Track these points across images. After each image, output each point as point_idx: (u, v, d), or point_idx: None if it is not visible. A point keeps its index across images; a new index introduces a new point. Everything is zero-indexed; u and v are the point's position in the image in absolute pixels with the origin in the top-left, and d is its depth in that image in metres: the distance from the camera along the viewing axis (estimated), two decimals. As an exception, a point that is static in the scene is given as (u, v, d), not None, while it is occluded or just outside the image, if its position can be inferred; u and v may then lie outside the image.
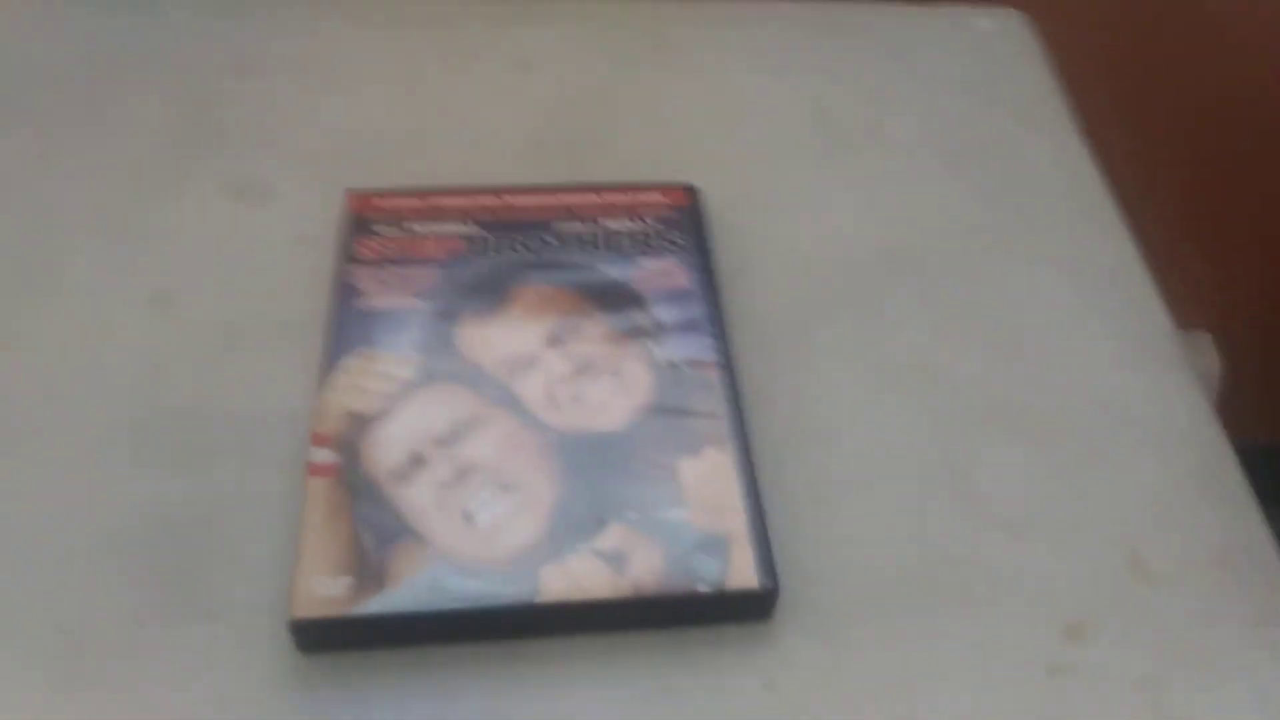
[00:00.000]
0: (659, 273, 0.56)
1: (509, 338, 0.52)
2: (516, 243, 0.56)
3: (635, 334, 0.53)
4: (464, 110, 0.67)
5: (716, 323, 0.54)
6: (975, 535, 0.49)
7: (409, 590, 0.43)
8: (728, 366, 0.52)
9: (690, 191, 0.60)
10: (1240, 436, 0.55)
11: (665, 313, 0.54)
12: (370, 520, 0.45)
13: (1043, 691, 0.45)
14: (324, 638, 0.43)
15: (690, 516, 0.46)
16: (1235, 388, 1.12)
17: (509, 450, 0.48)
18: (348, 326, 0.52)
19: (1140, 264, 0.62)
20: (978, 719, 0.44)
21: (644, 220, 0.58)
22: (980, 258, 0.61)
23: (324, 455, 0.47)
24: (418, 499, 0.46)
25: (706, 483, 0.48)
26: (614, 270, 0.56)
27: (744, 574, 0.45)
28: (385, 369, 0.51)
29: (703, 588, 0.44)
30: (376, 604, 0.43)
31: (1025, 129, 0.69)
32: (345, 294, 0.54)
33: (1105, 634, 0.46)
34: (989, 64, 0.74)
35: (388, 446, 0.48)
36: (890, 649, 0.46)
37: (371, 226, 0.57)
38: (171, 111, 0.66)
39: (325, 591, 0.43)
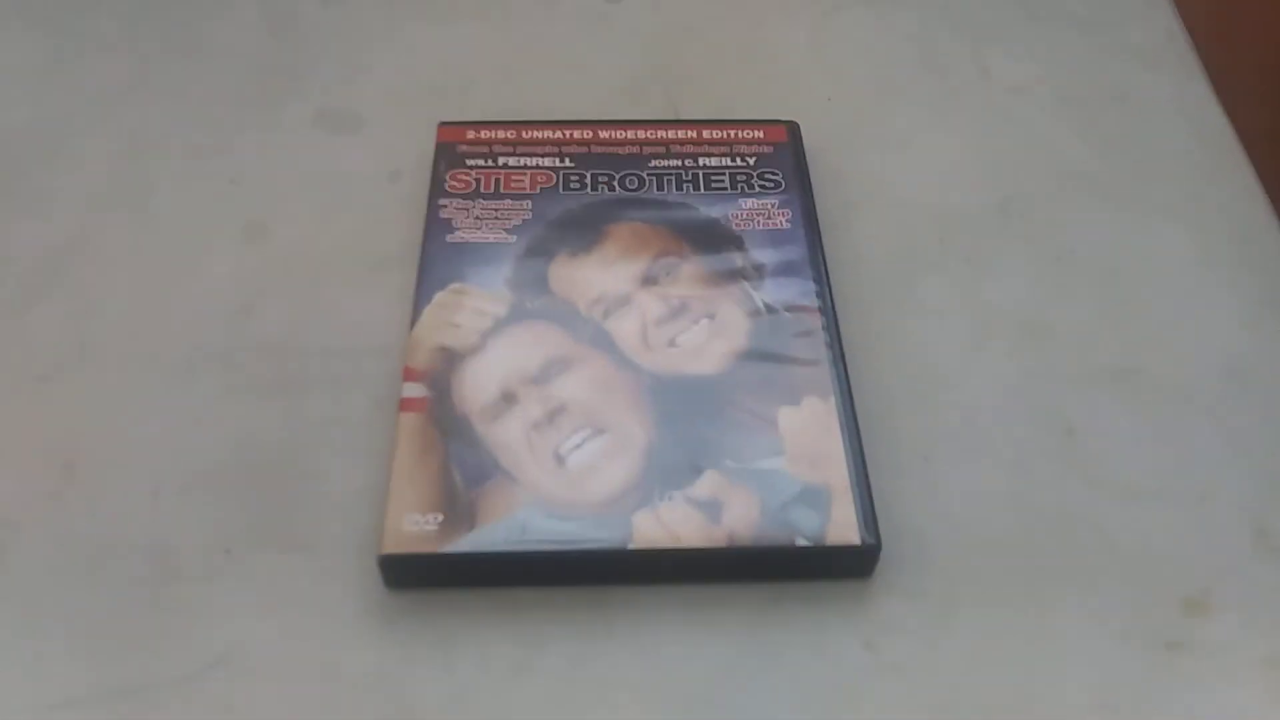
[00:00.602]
0: (757, 212, 0.53)
1: (602, 276, 0.51)
2: (611, 178, 0.55)
3: (733, 275, 0.51)
4: (556, 44, 0.65)
5: (818, 267, 0.51)
6: (1089, 500, 0.47)
7: (498, 530, 0.42)
8: (829, 312, 0.50)
9: (792, 128, 0.58)
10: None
11: (764, 254, 0.52)
12: (461, 458, 0.44)
13: (1160, 667, 0.42)
14: (412, 574, 0.43)
15: (789, 467, 0.44)
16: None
17: (602, 392, 0.46)
18: (440, 260, 0.51)
19: (1272, 220, 0.58)
20: (1089, 693, 0.42)
21: (743, 158, 0.56)
22: (1097, 208, 0.58)
23: (416, 390, 0.46)
24: (509, 438, 0.45)
25: (806, 432, 0.46)
26: (711, 209, 0.53)
27: (845, 528, 0.43)
28: (477, 304, 0.49)
29: (801, 541, 0.43)
30: (466, 543, 0.42)
31: (1148, 74, 0.65)
32: (437, 227, 0.52)
33: (1228, 609, 0.44)
34: (1107, 5, 0.70)
35: (479, 383, 0.47)
36: (997, 615, 0.44)
37: (464, 159, 0.55)
38: (261, 39, 0.65)
39: (414, 528, 0.42)
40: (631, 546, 0.42)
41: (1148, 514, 0.47)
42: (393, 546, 0.42)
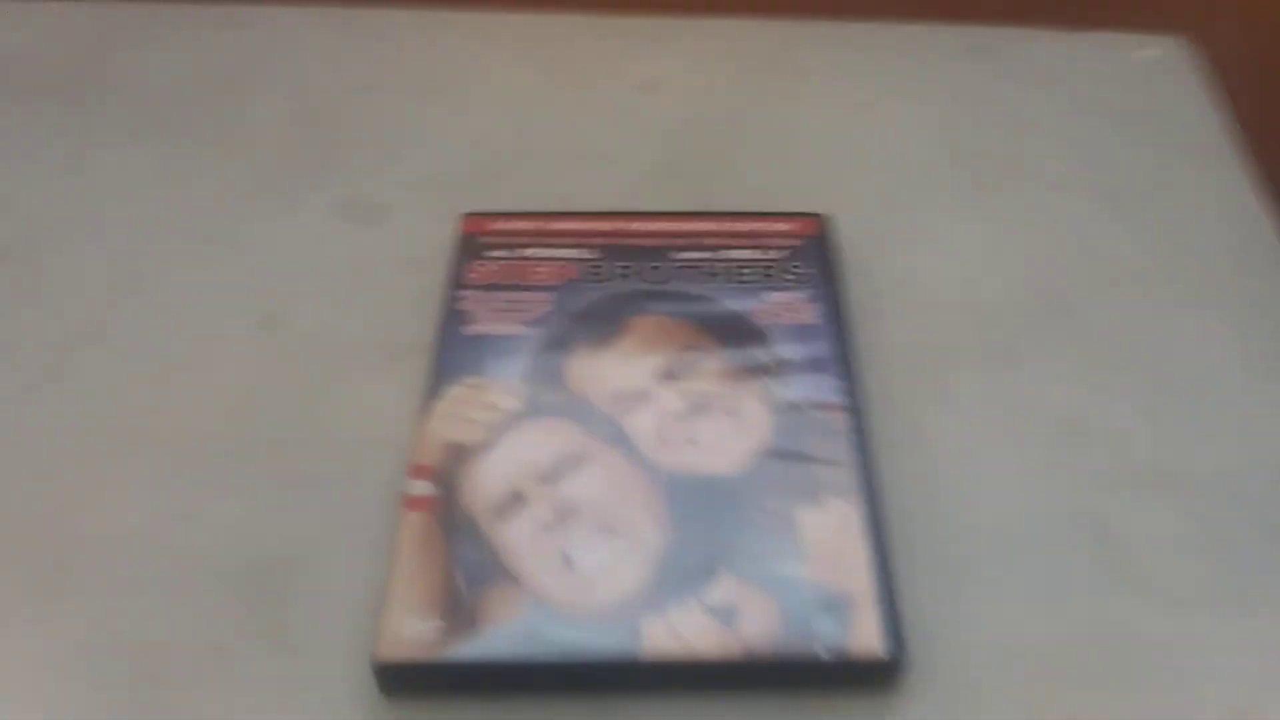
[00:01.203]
0: (784, 306, 0.52)
1: (621, 371, 0.49)
2: (633, 270, 0.53)
3: (756, 371, 0.49)
4: (585, 133, 0.65)
5: (845, 363, 0.50)
6: (1127, 609, 0.44)
7: (501, 636, 0.40)
8: (856, 411, 0.48)
9: (821, 221, 0.56)
10: None
11: (789, 350, 0.50)
12: (465, 559, 0.42)
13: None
14: (409, 682, 0.41)
15: (810, 572, 0.42)
16: None
17: (615, 491, 0.45)
18: (454, 353, 0.50)
19: (1319, 317, 0.55)
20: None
21: (770, 250, 0.54)
22: (1135, 304, 0.56)
23: (421, 488, 0.45)
24: (516, 539, 0.43)
25: (829, 536, 0.43)
26: (735, 302, 0.52)
27: (867, 639, 0.40)
28: (490, 399, 0.48)
29: (821, 652, 0.40)
30: (466, 650, 0.40)
31: (1186, 166, 0.63)
32: (453, 319, 0.51)
33: (1281, 729, 0.41)
34: (1148, 95, 0.68)
35: (488, 481, 0.45)
36: (1030, 733, 0.41)
37: (484, 250, 0.54)
38: (289, 129, 0.65)
39: (413, 633, 0.40)
40: (641, 655, 0.40)
41: (1189, 623, 0.44)
42: (389, 653, 0.40)
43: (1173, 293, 0.56)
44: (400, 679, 0.40)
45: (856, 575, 0.42)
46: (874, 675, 0.41)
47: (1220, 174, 0.63)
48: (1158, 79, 0.69)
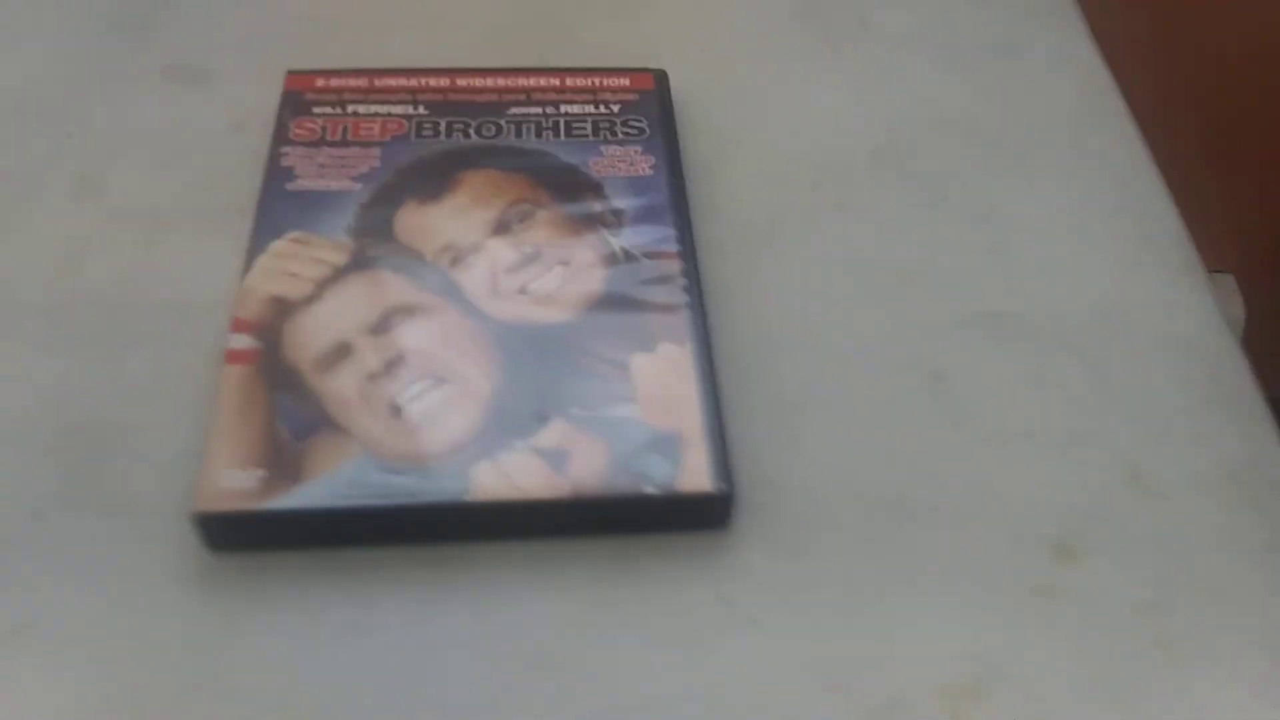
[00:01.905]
0: (619, 159, 0.51)
1: (452, 224, 0.48)
2: (465, 126, 0.52)
3: (590, 222, 0.48)
4: (420, -5, 0.63)
5: (681, 213, 0.49)
6: (955, 446, 0.45)
7: (326, 485, 0.39)
8: (689, 257, 0.48)
9: (659, 76, 0.55)
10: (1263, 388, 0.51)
11: (624, 201, 0.49)
12: (289, 411, 0.41)
13: (1027, 614, 0.41)
14: (232, 534, 0.40)
15: (641, 414, 0.42)
16: (1258, 334, 1.08)
17: (445, 341, 0.44)
18: (279, 209, 0.48)
19: (1152, 168, 0.57)
20: (954, 642, 0.40)
21: (606, 106, 0.54)
22: (973, 159, 0.57)
23: (243, 341, 0.43)
24: (342, 390, 0.42)
25: (660, 379, 0.43)
26: (570, 156, 0.51)
27: (697, 476, 0.41)
28: (315, 253, 0.46)
29: (650, 489, 0.40)
30: (290, 499, 0.39)
31: (1030, 28, 0.64)
32: (278, 175, 0.49)
33: (1099, 555, 0.42)
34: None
35: (313, 334, 0.44)
36: (858, 564, 0.42)
37: (310, 107, 0.52)
38: (108, -9, 0.61)
39: (234, 484, 0.39)
40: (469, 499, 0.40)
41: (1016, 459, 0.45)
42: (209, 504, 0.39)
43: (1010, 147, 0.57)
44: (222, 530, 0.39)
45: (687, 416, 0.42)
46: (704, 512, 0.41)
47: (1061, 34, 0.64)
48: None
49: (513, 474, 0.40)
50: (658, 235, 0.48)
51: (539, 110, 0.53)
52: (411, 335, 0.44)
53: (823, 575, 0.41)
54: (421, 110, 0.52)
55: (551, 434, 0.41)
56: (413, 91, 0.53)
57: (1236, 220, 1.04)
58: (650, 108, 0.54)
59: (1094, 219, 0.54)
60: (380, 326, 0.44)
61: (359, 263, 0.46)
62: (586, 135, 0.52)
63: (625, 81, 0.55)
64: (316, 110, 0.52)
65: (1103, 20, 0.67)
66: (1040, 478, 0.45)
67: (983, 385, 0.47)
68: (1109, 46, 0.65)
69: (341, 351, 0.43)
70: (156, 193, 0.52)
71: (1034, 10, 0.65)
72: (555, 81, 0.54)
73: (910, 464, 0.44)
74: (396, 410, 0.42)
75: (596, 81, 0.55)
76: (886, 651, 0.39)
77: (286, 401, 0.42)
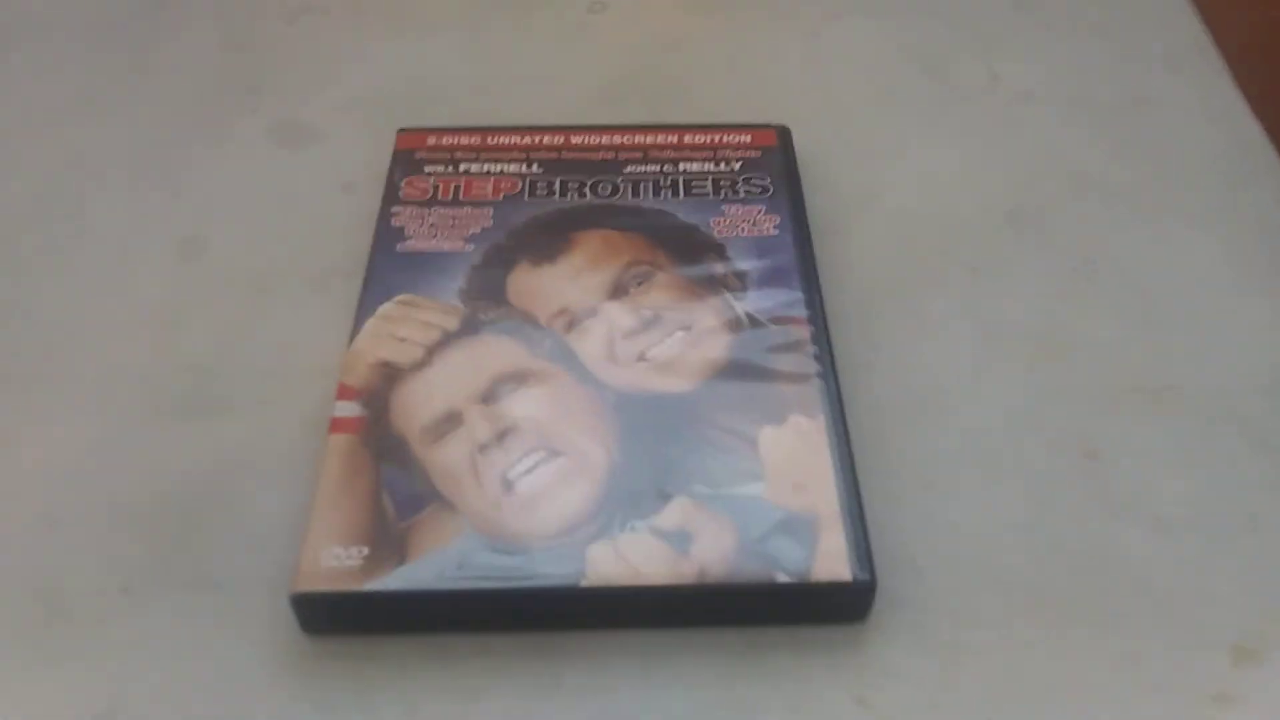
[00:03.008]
0: (741, 219, 0.48)
1: (567, 287, 0.45)
2: (582, 185, 0.50)
3: (712, 285, 0.46)
4: (530, 54, 0.61)
5: (807, 275, 0.46)
6: (1115, 533, 0.41)
7: (432, 565, 0.37)
8: (818, 324, 0.44)
9: (781, 132, 0.53)
10: None
11: (747, 263, 0.46)
12: (395, 484, 0.39)
13: (1204, 722, 0.36)
14: (331, 616, 0.37)
15: (770, 493, 0.39)
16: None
17: (560, 410, 0.41)
18: (387, 270, 0.46)
19: (1312, 227, 0.52)
20: (1120, 752, 0.35)
21: (726, 163, 0.51)
22: (1114, 217, 0.53)
23: (349, 409, 0.41)
24: (450, 462, 0.39)
25: (791, 455, 0.40)
26: (690, 216, 0.48)
27: (834, 562, 0.37)
28: (426, 316, 0.44)
29: (783, 577, 0.37)
30: (393, 580, 0.36)
31: (1167, 78, 0.60)
32: (388, 235, 0.47)
33: (1282, 655, 0.38)
34: (1121, 6, 0.65)
35: (422, 402, 0.41)
36: (1010, 663, 0.37)
37: (420, 165, 0.51)
38: (218, 54, 0.61)
39: (335, 563, 0.37)
40: (585, 584, 0.36)
41: (1185, 548, 0.40)
42: (308, 584, 0.36)
43: (1153, 204, 0.53)
44: (321, 612, 0.37)
45: (821, 495, 0.39)
46: (841, 601, 0.38)
47: (1201, 83, 0.60)
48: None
49: (632, 557, 0.37)
50: (784, 299, 0.45)
51: (656, 168, 0.50)
52: (524, 404, 0.41)
53: (971, 674, 0.37)
54: (535, 169, 0.50)
55: (674, 513, 0.38)
56: (526, 149, 0.51)
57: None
58: (773, 165, 0.51)
59: (1252, 282, 0.50)
60: (491, 394, 0.41)
61: (470, 327, 0.44)
62: (707, 194, 0.49)
63: (747, 138, 0.52)
64: (428, 169, 0.50)
65: (1242, 52, 0.63)
66: (1211, 570, 0.40)
67: (1143, 466, 0.43)
68: (1249, 80, 0.61)
69: (451, 421, 0.41)
70: (262, 254, 0.50)
71: (1172, 59, 0.61)
72: (673, 139, 0.52)
73: (1066, 553, 0.40)
74: (508, 485, 0.39)
75: (716, 138, 0.52)
76: (1048, 766, 0.35)
77: (393, 473, 0.39)
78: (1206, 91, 0.59)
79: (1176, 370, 0.46)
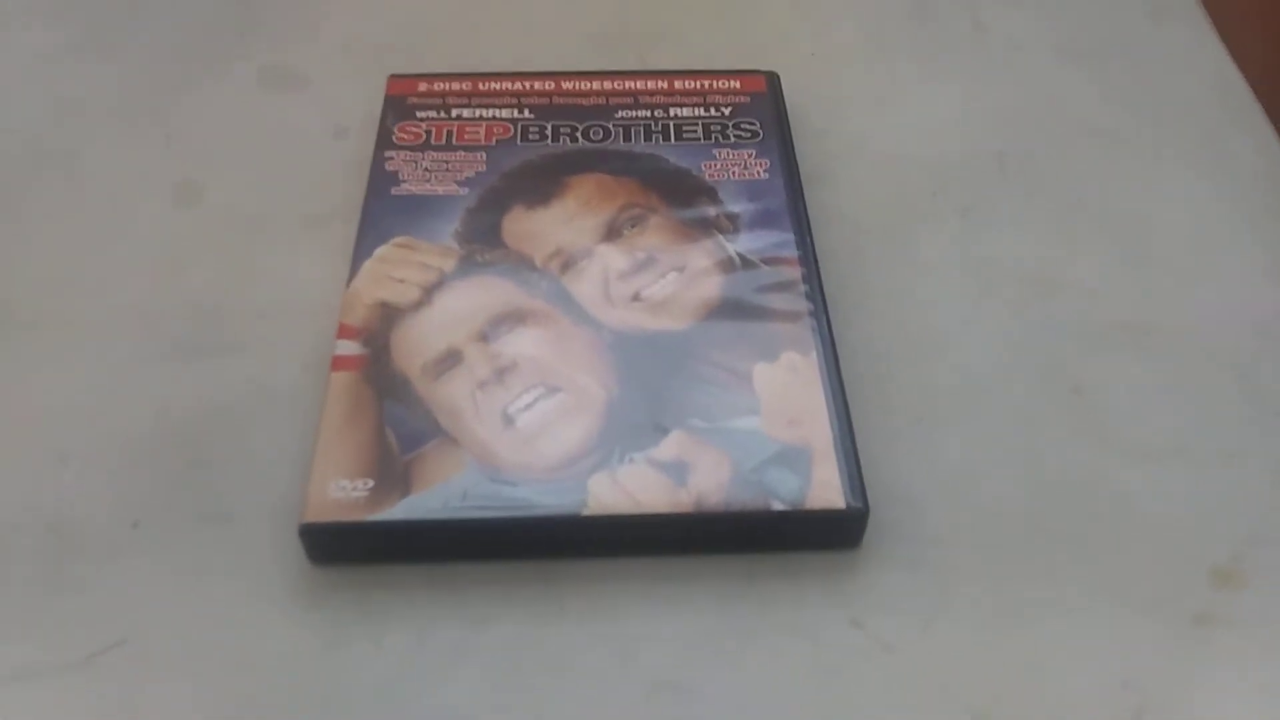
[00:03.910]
0: (733, 162, 0.49)
1: (561, 229, 0.46)
2: (573, 130, 0.50)
3: (705, 227, 0.46)
4: (520, 1, 0.61)
5: (799, 217, 0.47)
6: (1101, 462, 0.42)
7: (437, 497, 0.38)
8: (809, 263, 0.45)
9: (771, 78, 0.53)
10: None
11: (739, 205, 0.47)
12: (398, 420, 0.40)
13: (1187, 644, 0.37)
14: (338, 546, 0.38)
15: (765, 426, 0.40)
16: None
17: (557, 349, 0.42)
18: (384, 214, 0.46)
19: (1290, 169, 0.53)
20: (1106, 674, 0.37)
21: (717, 108, 0.51)
22: (1102, 161, 0.54)
23: (350, 348, 0.42)
24: (452, 398, 0.40)
25: (785, 390, 0.41)
26: (682, 160, 0.49)
27: (827, 492, 0.38)
28: (423, 258, 0.45)
29: (778, 505, 0.38)
30: (399, 510, 0.37)
31: (1152, 24, 0.61)
32: (382, 180, 0.48)
33: (1262, 579, 0.39)
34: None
35: (422, 341, 0.42)
36: (1000, 588, 0.39)
37: (414, 110, 0.51)
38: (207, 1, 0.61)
39: (341, 495, 0.37)
40: (586, 513, 0.37)
41: (1168, 477, 0.42)
42: (316, 515, 0.37)
43: (1140, 148, 0.54)
44: (329, 542, 0.38)
45: (814, 428, 0.40)
46: (834, 529, 0.39)
47: (1187, 30, 0.61)
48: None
49: (632, 487, 0.38)
50: (775, 240, 0.46)
51: (648, 113, 0.51)
52: (522, 343, 0.42)
53: (962, 598, 0.38)
54: (527, 114, 0.51)
55: (671, 446, 0.39)
56: (517, 95, 0.52)
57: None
58: (763, 110, 0.51)
59: (1236, 224, 0.51)
60: (490, 333, 0.42)
61: (467, 268, 0.44)
62: (698, 138, 0.50)
63: (736, 84, 0.53)
64: (420, 114, 0.51)
65: (1225, 14, 0.63)
66: (1194, 497, 0.41)
67: (1127, 400, 0.44)
68: (1229, 27, 0.62)
69: (451, 358, 0.41)
70: (258, 198, 0.50)
71: (1155, 9, 0.62)
72: (664, 84, 0.52)
73: (1053, 481, 0.41)
74: (509, 419, 0.40)
75: (706, 84, 0.53)
76: (1032, 682, 0.36)
77: (395, 409, 0.40)
78: (1188, 39, 0.60)
79: (1161, 310, 0.47)
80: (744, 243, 0.46)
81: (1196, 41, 0.60)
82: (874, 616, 0.38)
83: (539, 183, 0.48)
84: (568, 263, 0.45)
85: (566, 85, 0.52)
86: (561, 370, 0.41)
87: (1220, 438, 0.43)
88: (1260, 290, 0.48)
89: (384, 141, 0.49)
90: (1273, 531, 0.40)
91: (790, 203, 0.47)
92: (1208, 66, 0.59)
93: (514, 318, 0.43)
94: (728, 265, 0.45)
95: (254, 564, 0.38)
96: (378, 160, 0.49)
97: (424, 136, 0.50)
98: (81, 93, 0.55)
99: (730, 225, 0.46)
